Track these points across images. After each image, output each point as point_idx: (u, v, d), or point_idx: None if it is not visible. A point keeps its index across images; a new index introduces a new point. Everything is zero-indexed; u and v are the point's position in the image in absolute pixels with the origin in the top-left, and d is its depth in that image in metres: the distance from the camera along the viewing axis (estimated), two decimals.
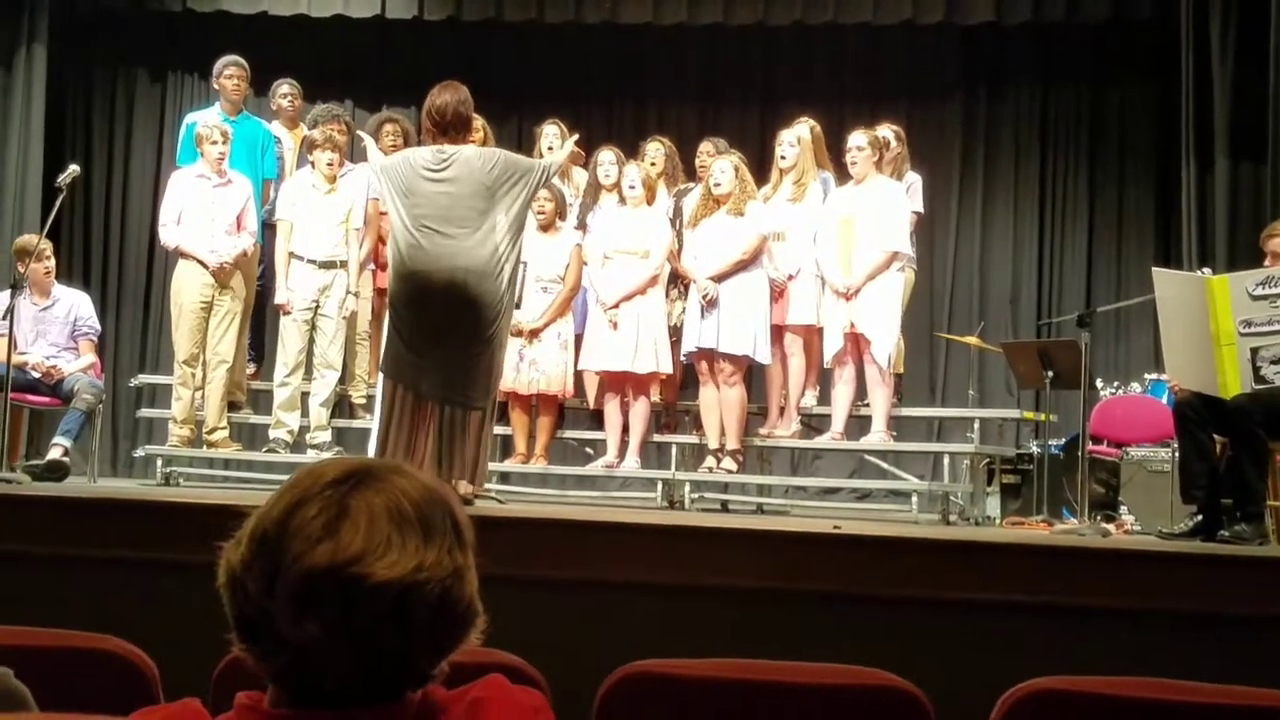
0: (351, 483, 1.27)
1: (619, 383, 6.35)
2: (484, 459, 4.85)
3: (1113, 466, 6.44)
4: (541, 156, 6.85)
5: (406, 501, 1.27)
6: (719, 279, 6.10)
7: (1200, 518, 4.45)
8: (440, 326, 4.60)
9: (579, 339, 6.45)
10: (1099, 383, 6.93)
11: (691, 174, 6.82)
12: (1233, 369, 4.41)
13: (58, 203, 5.61)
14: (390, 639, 1.25)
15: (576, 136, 5.75)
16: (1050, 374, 5.89)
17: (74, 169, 5.74)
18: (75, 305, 6.28)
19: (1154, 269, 5.05)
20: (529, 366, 6.30)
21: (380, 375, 5.03)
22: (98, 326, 6.46)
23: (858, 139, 6.20)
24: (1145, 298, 6.70)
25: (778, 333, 6.27)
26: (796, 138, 6.43)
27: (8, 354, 5.52)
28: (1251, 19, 6.82)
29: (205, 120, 6.66)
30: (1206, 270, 5.72)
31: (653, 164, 6.73)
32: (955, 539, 4.15)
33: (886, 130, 6.48)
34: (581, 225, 6.61)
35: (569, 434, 6.77)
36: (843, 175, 6.37)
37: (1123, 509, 6.23)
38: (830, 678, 1.99)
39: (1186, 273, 5.72)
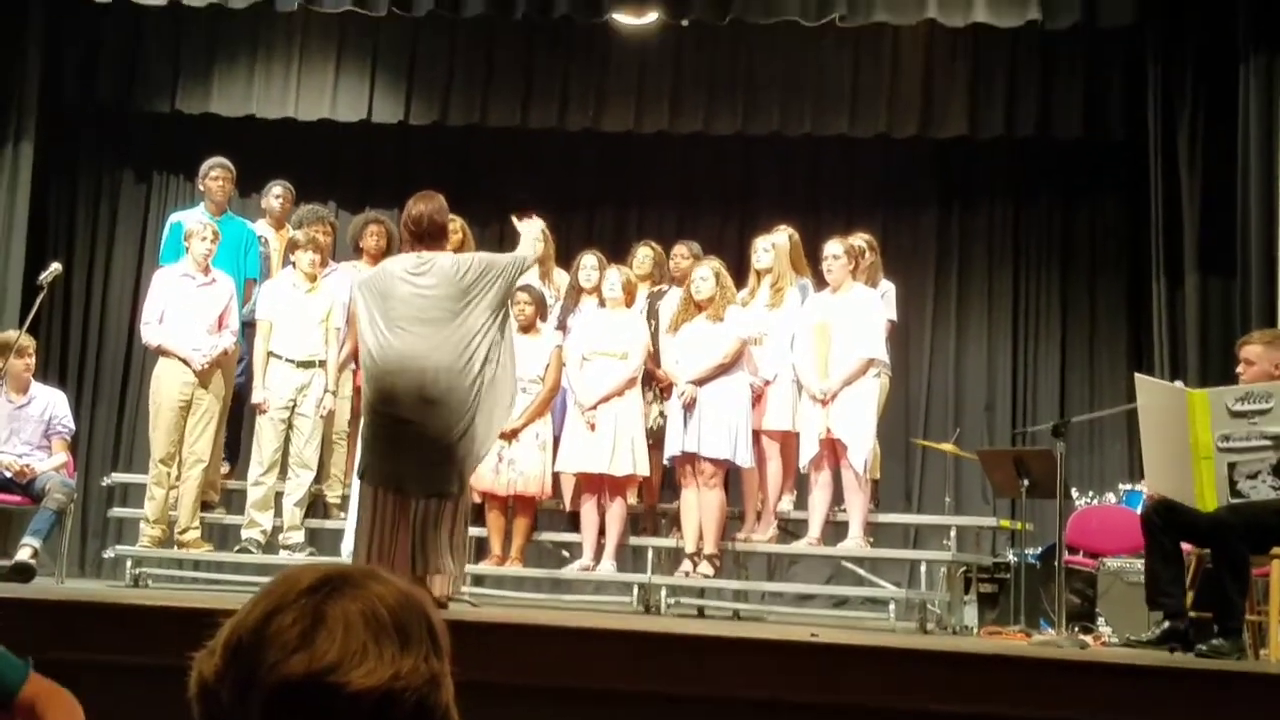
0: (327, 590, 1.26)
1: (596, 484, 6.33)
2: (460, 557, 4.81)
3: (1089, 577, 6.42)
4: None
5: (383, 608, 1.26)
6: (700, 383, 6.14)
7: (1168, 624, 4.44)
8: (411, 422, 4.62)
9: (557, 440, 6.45)
10: (1074, 492, 6.95)
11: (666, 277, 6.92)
12: (1209, 482, 4.43)
13: (38, 300, 5.62)
14: None
15: (542, 224, 5.73)
16: (1026, 482, 5.91)
17: (56, 267, 5.77)
18: (51, 404, 6.25)
19: (1137, 375, 5.10)
20: (507, 467, 6.29)
21: (356, 478, 5.01)
22: (72, 426, 6.42)
23: (833, 247, 6.31)
24: (1120, 409, 6.80)
25: (755, 437, 6.29)
26: (772, 243, 6.53)
27: None
28: (1219, 135, 7.00)
29: (194, 219, 6.72)
30: (1179, 383, 5.79)
31: (638, 268, 6.82)
32: (935, 649, 4.13)
33: (860, 239, 6.59)
34: (562, 326, 6.66)
35: (545, 535, 6.73)
36: (821, 282, 6.45)
37: (1099, 620, 6.19)
38: None
39: (1168, 383, 5.78)
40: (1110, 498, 7.06)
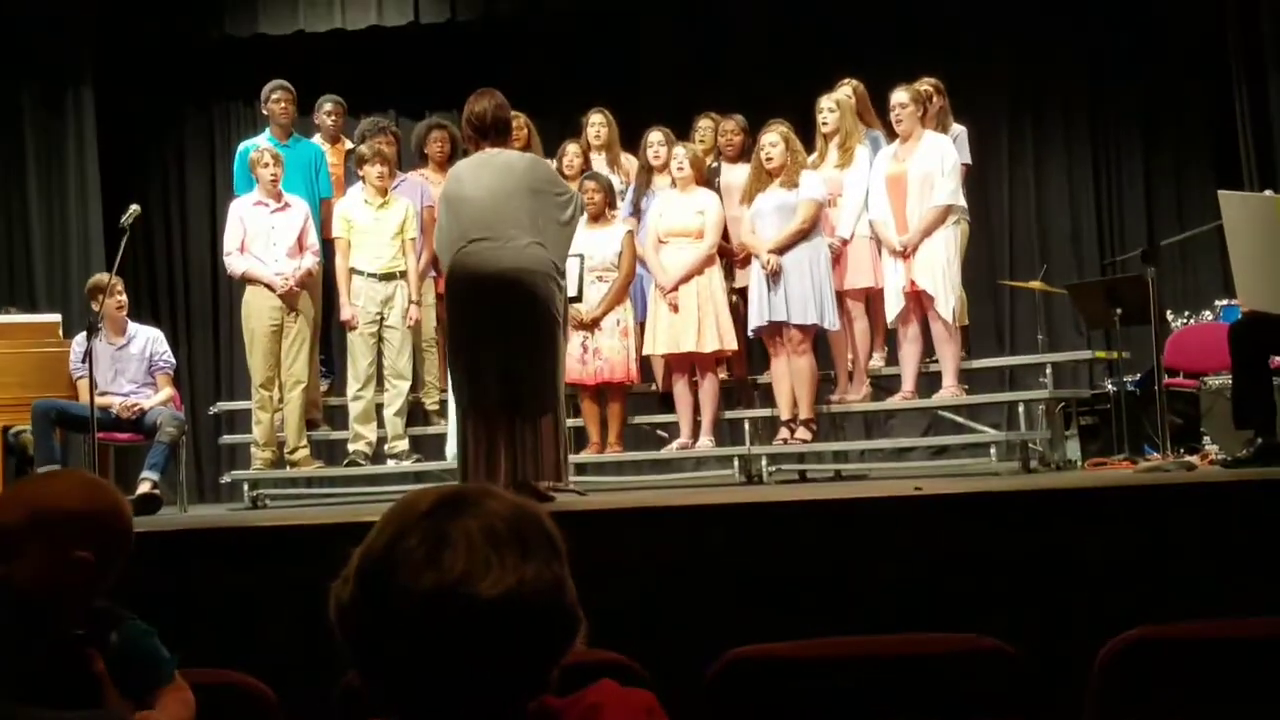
0: (446, 511, 1.32)
1: (685, 363, 6.38)
2: (564, 455, 4.80)
3: (1190, 397, 6.34)
4: (589, 145, 6.91)
5: (500, 522, 1.32)
6: (779, 250, 6.10)
7: (1260, 441, 4.38)
8: (496, 331, 4.47)
9: (641, 326, 6.49)
10: (1169, 315, 6.83)
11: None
12: None
13: (123, 242, 5.74)
14: (500, 654, 1.29)
15: None
16: (1119, 311, 5.82)
17: (135, 208, 5.85)
18: (150, 341, 6.43)
19: (1220, 192, 4.95)
20: (592, 356, 6.36)
21: (450, 386, 5.05)
22: (173, 360, 6.61)
23: (899, 95, 6.17)
24: (1209, 225, 6.61)
25: (839, 298, 6.26)
26: (835, 101, 6.40)
27: (90, 395, 5.68)
28: None
29: (259, 145, 6.79)
30: (1269, 192, 5.61)
31: (701, 141, 6.74)
32: (1040, 487, 4.12)
33: (926, 84, 6.41)
34: (636, 209, 6.63)
35: (640, 419, 6.81)
36: (892, 133, 6.32)
37: (1205, 439, 6.13)
38: (927, 647, 2.00)
39: (1255, 194, 5.60)
40: (1207, 315, 6.92)
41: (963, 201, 6.24)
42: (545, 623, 1.32)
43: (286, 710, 1.99)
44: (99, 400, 5.83)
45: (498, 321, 4.48)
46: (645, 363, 6.54)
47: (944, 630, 2.05)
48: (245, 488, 6.61)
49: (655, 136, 6.66)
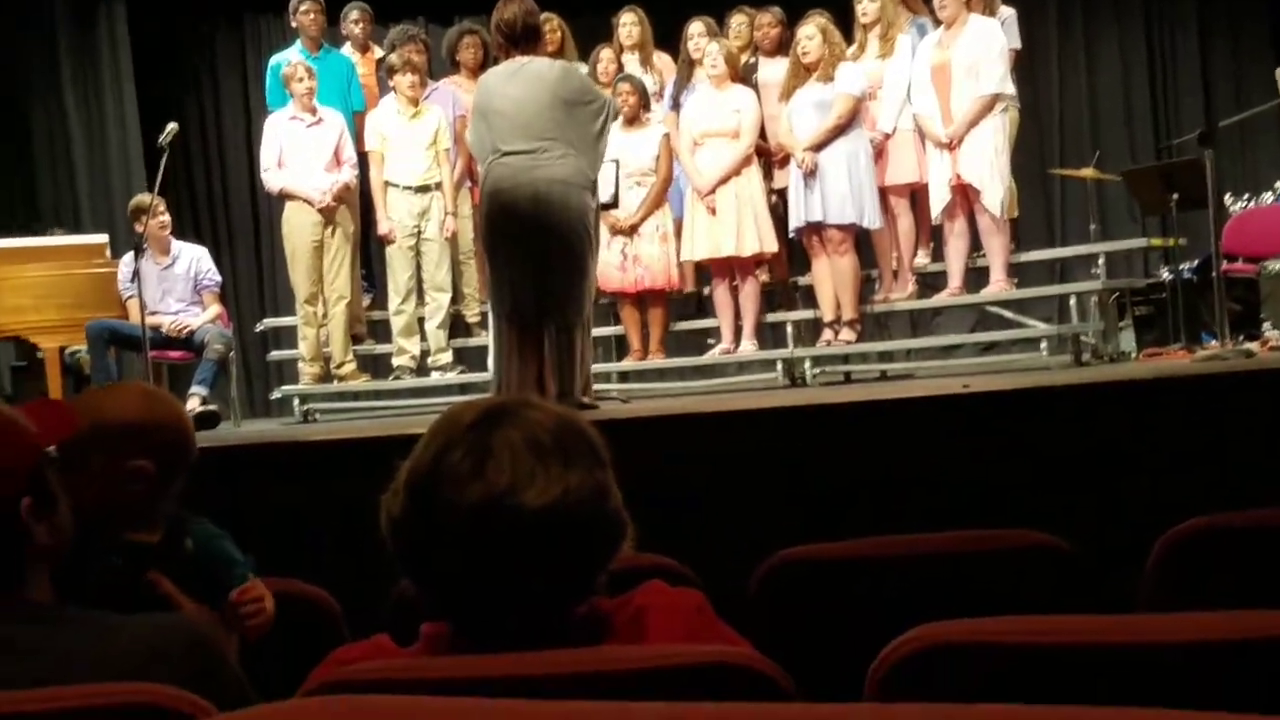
0: (489, 423, 1.33)
1: (725, 267, 6.32)
2: (588, 367, 4.75)
3: (1249, 283, 6.19)
4: (621, 48, 6.79)
5: (542, 432, 1.33)
6: (817, 148, 5.98)
7: None
8: (529, 243, 4.45)
9: (679, 229, 6.42)
10: (1228, 198, 6.65)
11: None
12: None
13: (162, 161, 5.73)
14: (549, 561, 1.32)
15: None
16: (1175, 196, 5.68)
17: (173, 126, 5.81)
18: (195, 260, 6.46)
19: (1279, 70, 4.78)
20: (632, 263, 6.31)
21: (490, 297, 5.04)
22: (219, 278, 6.64)
23: None
24: (1269, 105, 6.41)
25: (882, 194, 6.14)
26: None
27: (141, 315, 5.74)
28: None
29: (290, 59, 6.73)
30: None
31: (736, 37, 6.60)
32: (1092, 380, 4.06)
33: None
34: (677, 104, 6.52)
35: (682, 325, 6.79)
36: (938, 20, 6.13)
37: (1265, 325, 6.01)
38: (979, 544, 1.98)
39: None
40: (1267, 198, 6.74)
41: (1011, 88, 6.07)
42: (590, 530, 1.34)
43: (345, 618, 2.02)
44: (149, 320, 5.89)
45: (530, 235, 4.47)
46: (683, 267, 6.47)
47: (996, 528, 2.03)
48: (295, 403, 6.69)
49: (696, 28, 6.53)
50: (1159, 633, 1.25)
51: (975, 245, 6.16)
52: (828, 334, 6.20)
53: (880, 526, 2.12)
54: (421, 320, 6.60)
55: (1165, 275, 6.20)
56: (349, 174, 6.56)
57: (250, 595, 1.89)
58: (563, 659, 1.24)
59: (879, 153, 6.15)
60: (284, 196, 6.58)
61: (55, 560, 1.49)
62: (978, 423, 3.42)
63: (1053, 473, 3.18)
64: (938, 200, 6.03)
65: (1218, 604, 1.34)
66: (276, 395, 7.11)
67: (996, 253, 6.04)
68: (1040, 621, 1.28)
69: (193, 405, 5.90)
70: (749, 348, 6.37)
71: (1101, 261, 6.22)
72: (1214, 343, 5.28)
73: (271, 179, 6.60)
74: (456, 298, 6.69)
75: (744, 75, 6.43)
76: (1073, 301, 6.11)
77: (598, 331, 5.70)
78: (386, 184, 6.50)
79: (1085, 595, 1.84)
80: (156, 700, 1.18)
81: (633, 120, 6.28)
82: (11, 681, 1.26)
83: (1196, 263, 6.29)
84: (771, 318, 6.57)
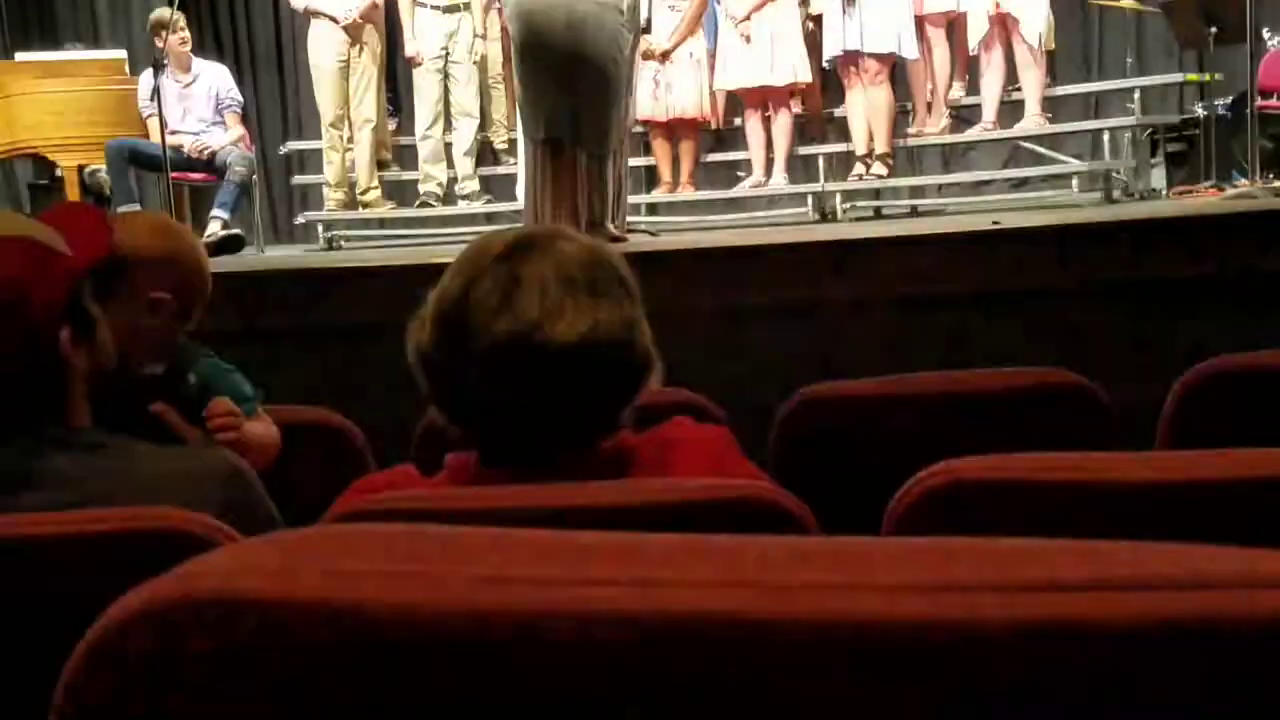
0: (518, 254, 1.31)
1: (758, 97, 6.19)
2: (624, 197, 4.73)
3: None
4: None
5: (572, 265, 1.31)
6: None
7: None
8: (561, 68, 4.32)
9: (712, 57, 6.26)
10: (1266, 32, 6.42)
11: None
12: None
13: None
14: (576, 394, 1.32)
15: None
16: (1213, 30, 5.50)
17: None
18: (216, 79, 6.35)
19: None
20: (665, 91, 6.18)
21: (519, 123, 4.95)
22: (240, 98, 6.53)
23: None
24: None
25: (918, 24, 5.96)
26: None
27: (161, 132, 5.66)
28: None
29: None
30: None
31: None
32: (1120, 218, 4.00)
33: None
34: None
35: (713, 157, 6.69)
36: None
37: None
38: (1005, 381, 1.98)
39: None
40: None
41: None
42: (619, 364, 1.33)
43: (370, 447, 2.05)
44: (170, 140, 5.81)
45: (561, 59, 4.34)
46: (715, 97, 6.33)
47: (1022, 366, 2.03)
48: (320, 229, 6.67)
49: None
50: (1184, 470, 1.25)
51: (1011, 79, 6.01)
52: (859, 168, 6.12)
53: (907, 364, 2.12)
54: (449, 146, 6.52)
55: (1200, 111, 6.05)
56: None
57: (215, 412, 1.81)
58: (587, 491, 1.24)
59: None
60: (309, 14, 6.43)
61: (95, 380, 1.49)
62: (1007, 259, 3.39)
63: (1080, 313, 3.17)
64: (975, 30, 5.87)
65: (1235, 442, 1.34)
66: (300, 221, 7.08)
67: (1032, 85, 5.90)
68: (1063, 459, 1.28)
69: (214, 229, 5.86)
70: (780, 180, 6.29)
71: (1137, 97, 6.07)
72: (1244, 181, 5.18)
73: None
74: (484, 123, 6.59)
75: None
76: (1106, 137, 5.99)
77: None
78: (414, 3, 6.33)
79: (1112, 434, 1.85)
80: (189, 528, 1.19)
81: None
82: (62, 508, 1.28)
83: (1231, 99, 6.12)
84: (803, 150, 6.47)
